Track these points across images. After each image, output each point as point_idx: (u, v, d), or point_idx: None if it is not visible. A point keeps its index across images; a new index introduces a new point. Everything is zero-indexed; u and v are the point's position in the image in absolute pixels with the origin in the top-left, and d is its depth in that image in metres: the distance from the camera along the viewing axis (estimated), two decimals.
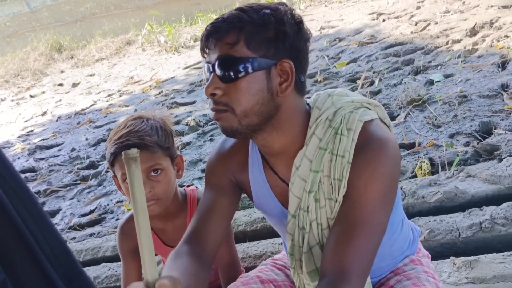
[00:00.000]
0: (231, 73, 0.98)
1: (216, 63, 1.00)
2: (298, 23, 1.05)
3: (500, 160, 2.15)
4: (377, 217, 1.00)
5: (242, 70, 0.98)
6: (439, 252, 1.77)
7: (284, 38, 1.01)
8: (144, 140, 1.33)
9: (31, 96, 7.16)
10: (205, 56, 1.04)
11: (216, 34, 1.00)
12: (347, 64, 4.53)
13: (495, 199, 1.89)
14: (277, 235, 2.01)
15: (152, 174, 1.36)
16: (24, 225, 0.40)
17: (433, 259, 1.52)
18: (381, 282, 1.26)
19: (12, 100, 7.21)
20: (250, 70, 0.98)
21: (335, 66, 4.56)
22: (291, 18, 1.03)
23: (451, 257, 1.66)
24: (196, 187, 1.59)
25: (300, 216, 1.12)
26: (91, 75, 7.36)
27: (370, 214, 0.99)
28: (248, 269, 1.76)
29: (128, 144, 1.32)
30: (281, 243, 2.00)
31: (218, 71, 1.00)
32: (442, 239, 1.77)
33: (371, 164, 1.01)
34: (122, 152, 0.78)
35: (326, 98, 1.13)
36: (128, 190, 1.37)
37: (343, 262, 0.96)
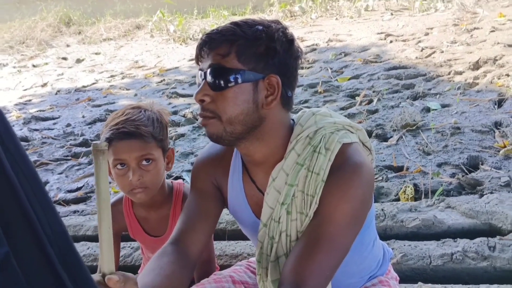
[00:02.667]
0: (221, 82, 1.04)
1: (208, 71, 1.05)
2: (289, 41, 1.10)
3: (481, 195, 2.21)
4: (342, 237, 1.04)
5: (231, 80, 1.04)
6: (409, 276, 1.82)
7: (274, 54, 1.06)
8: (140, 130, 1.37)
9: (34, 66, 7.17)
10: (199, 63, 1.10)
11: (210, 44, 1.06)
12: (349, 79, 4.58)
13: (470, 233, 1.95)
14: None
15: (143, 163, 1.40)
16: (29, 202, 0.44)
17: (401, 282, 1.57)
18: None
19: (14, 67, 7.21)
20: (238, 81, 1.04)
21: (337, 80, 4.62)
22: (283, 36, 1.09)
23: (419, 283, 1.71)
24: (184, 179, 1.63)
25: (271, 226, 1.16)
26: (96, 54, 7.38)
27: (336, 233, 1.03)
28: (222, 267, 1.80)
29: (124, 132, 1.36)
30: None
31: (208, 79, 1.05)
32: (414, 264, 1.82)
33: (344, 186, 1.06)
34: (92, 143, 0.82)
35: (310, 116, 1.18)
36: (118, 175, 1.42)
37: (302, 274, 1.01)
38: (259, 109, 1.07)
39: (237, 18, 7.96)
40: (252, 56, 1.05)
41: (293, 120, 1.20)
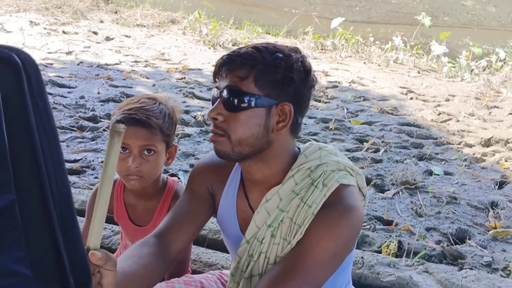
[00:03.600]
0: (235, 104, 1.08)
1: (224, 91, 1.09)
2: (306, 71, 1.14)
3: (461, 269, 2.22)
4: (318, 272, 1.07)
5: (245, 103, 1.07)
6: None
7: (290, 83, 1.10)
8: (150, 120, 1.41)
9: (64, 32, 7.26)
10: (216, 80, 1.13)
11: (230, 65, 1.10)
12: (362, 123, 4.62)
13: None
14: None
15: (145, 152, 1.44)
16: (44, 160, 0.47)
17: None
18: None
19: (45, 28, 7.30)
20: (252, 105, 1.08)
21: (350, 121, 4.66)
22: (301, 66, 1.13)
23: None
24: (179, 178, 1.66)
25: (253, 244, 1.19)
26: (126, 36, 7.47)
27: (312, 267, 1.06)
28: (194, 272, 1.82)
29: (135, 118, 1.40)
30: None
31: (224, 99, 1.09)
32: None
33: (331, 223, 1.08)
34: (111, 124, 0.86)
35: (316, 150, 1.21)
36: (118, 158, 1.45)
37: None
38: (268, 133, 1.11)
39: (270, 38, 8.04)
40: (269, 82, 1.09)
41: (299, 148, 1.23)
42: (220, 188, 1.29)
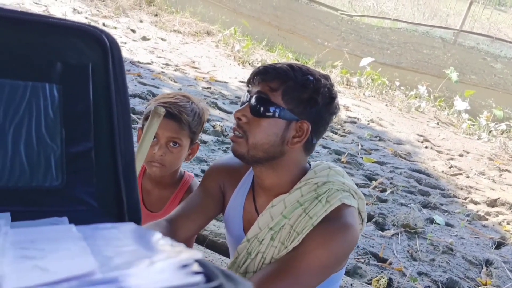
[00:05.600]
0: (261, 111, 1.19)
1: (254, 97, 1.20)
2: (331, 98, 1.25)
3: None
4: (307, 278, 1.16)
5: (270, 112, 1.19)
6: None
7: (314, 105, 1.21)
8: (182, 116, 1.53)
9: (104, 25, 7.50)
10: (249, 86, 1.25)
11: (264, 76, 1.21)
12: (374, 162, 4.71)
13: None
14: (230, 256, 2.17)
15: (171, 144, 1.55)
16: (117, 119, 0.59)
17: None
18: None
19: (86, 18, 7.56)
20: (276, 115, 1.19)
21: (362, 158, 4.75)
22: (327, 92, 1.24)
23: None
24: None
25: (253, 243, 1.29)
26: (162, 39, 7.69)
27: (303, 272, 1.15)
28: None
29: (168, 111, 1.52)
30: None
31: (252, 104, 1.20)
32: None
33: (327, 236, 1.18)
34: (154, 106, 0.98)
35: (326, 168, 1.32)
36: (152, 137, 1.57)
37: None
38: (283, 144, 1.22)
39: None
40: (295, 99, 1.20)
41: (309, 164, 1.34)
42: (231, 188, 1.39)
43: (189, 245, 1.72)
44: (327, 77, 1.28)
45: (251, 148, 1.21)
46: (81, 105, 0.60)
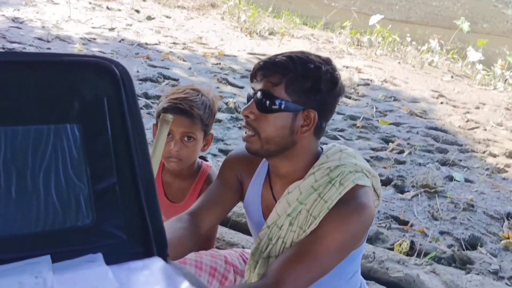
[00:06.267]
0: (266, 106, 1.23)
1: (258, 93, 1.24)
2: (334, 82, 1.27)
3: (467, 273, 2.34)
4: (325, 259, 1.22)
5: (275, 106, 1.22)
6: None
7: (317, 92, 1.24)
8: (193, 110, 1.58)
9: (108, 8, 7.49)
10: (252, 82, 1.28)
11: (264, 71, 1.24)
12: (390, 124, 4.71)
13: None
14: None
15: (186, 139, 1.61)
16: (135, 149, 0.63)
17: None
18: None
19: (90, 3, 7.55)
20: (281, 108, 1.23)
21: (378, 120, 4.75)
22: (330, 77, 1.26)
23: None
24: (207, 160, 1.82)
25: (273, 229, 1.35)
26: (167, 17, 7.66)
27: (321, 253, 1.21)
28: (218, 248, 1.99)
29: (179, 107, 1.57)
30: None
31: (257, 100, 1.24)
32: None
33: (343, 219, 1.23)
34: (161, 114, 1.03)
35: (337, 151, 1.35)
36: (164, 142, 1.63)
37: (283, 275, 1.19)
38: (293, 134, 1.26)
39: (307, 29, 8.08)
40: (298, 90, 1.23)
41: (321, 148, 1.38)
42: (248, 178, 1.45)
43: (213, 232, 1.79)
44: (328, 62, 1.29)
45: (264, 143, 1.25)
46: (101, 141, 0.64)
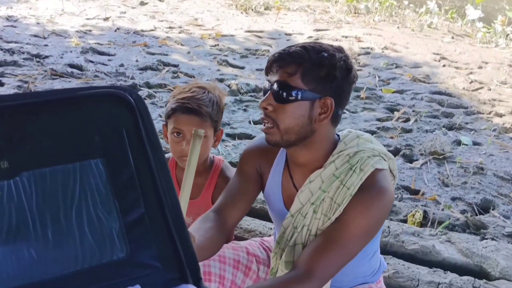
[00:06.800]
0: (284, 96, 1.24)
1: (274, 85, 1.25)
2: (348, 69, 1.29)
3: (482, 239, 2.38)
4: (353, 245, 1.26)
5: (292, 96, 1.24)
6: None
7: (333, 80, 1.26)
8: (201, 109, 1.59)
9: None
10: (268, 75, 1.29)
11: (280, 63, 1.26)
12: (393, 92, 4.70)
13: (461, 270, 2.13)
14: (269, 220, 2.28)
15: None
16: (159, 179, 0.65)
17: None
18: None
19: None
20: (299, 98, 1.24)
21: (381, 90, 4.74)
22: (344, 64, 1.27)
23: None
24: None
25: (297, 218, 1.38)
26: (160, 0, 7.59)
27: (348, 239, 1.25)
28: (236, 238, 2.03)
29: (188, 107, 1.58)
30: (271, 228, 2.27)
31: (274, 92, 1.25)
32: (402, 282, 2.02)
33: (366, 204, 1.26)
34: (194, 129, 1.05)
35: (354, 138, 1.37)
36: (173, 141, 1.64)
37: (313, 265, 1.22)
38: (312, 123, 1.27)
39: (301, 1, 7.97)
40: (314, 78, 1.24)
41: (338, 135, 1.40)
42: (267, 168, 1.47)
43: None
44: (341, 50, 1.31)
45: (284, 133, 1.27)
46: (125, 172, 0.66)
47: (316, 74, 1.24)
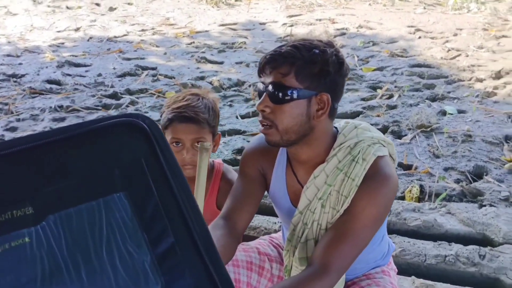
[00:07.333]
0: (280, 97, 1.25)
1: (269, 86, 1.25)
2: (340, 63, 1.30)
3: (481, 206, 2.43)
4: (364, 234, 1.28)
5: (288, 96, 1.24)
6: (404, 269, 2.06)
7: (327, 75, 1.26)
8: (198, 116, 1.58)
9: (67, 8, 7.31)
10: (261, 76, 1.30)
11: (273, 64, 1.26)
12: (374, 70, 4.73)
13: (464, 240, 2.18)
14: (273, 215, 2.29)
15: (196, 144, 1.62)
16: (184, 206, 0.65)
17: (397, 274, 1.81)
18: (353, 281, 1.54)
19: (48, 6, 7.35)
20: (295, 97, 1.24)
21: (361, 69, 4.77)
22: (335, 59, 1.28)
23: (413, 277, 1.95)
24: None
25: (306, 214, 1.39)
26: (129, 4, 7.49)
27: (359, 230, 1.27)
28: (242, 237, 2.04)
29: (184, 116, 1.57)
30: (275, 223, 2.29)
31: (269, 93, 1.25)
32: (410, 259, 2.06)
33: (373, 193, 1.28)
34: (199, 143, 1.05)
35: (353, 129, 1.39)
36: (173, 151, 1.64)
37: (329, 259, 1.24)
38: (310, 120, 1.28)
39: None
40: (308, 76, 1.25)
41: (335, 128, 1.41)
42: (269, 168, 1.48)
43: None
44: (331, 44, 1.31)
45: (283, 134, 1.28)
46: (149, 203, 0.66)
47: (310, 71, 1.25)
